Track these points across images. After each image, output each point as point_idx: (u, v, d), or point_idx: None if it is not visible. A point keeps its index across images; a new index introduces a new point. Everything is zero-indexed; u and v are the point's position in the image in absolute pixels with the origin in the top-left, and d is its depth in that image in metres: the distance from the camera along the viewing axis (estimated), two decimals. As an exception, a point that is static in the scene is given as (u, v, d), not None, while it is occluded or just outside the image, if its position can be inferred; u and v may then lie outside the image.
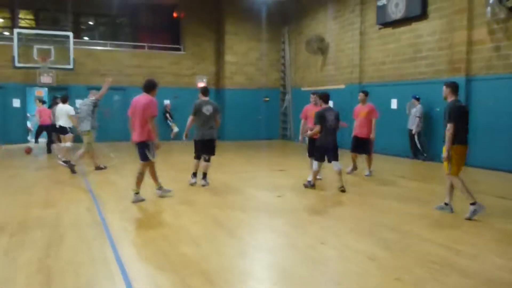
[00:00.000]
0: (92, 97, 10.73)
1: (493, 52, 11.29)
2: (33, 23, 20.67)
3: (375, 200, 7.72)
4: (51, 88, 18.51)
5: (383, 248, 5.04)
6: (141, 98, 7.31)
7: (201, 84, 20.43)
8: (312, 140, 8.97)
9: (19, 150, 15.63)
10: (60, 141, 12.80)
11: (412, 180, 10.01)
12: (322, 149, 8.47)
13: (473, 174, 10.98)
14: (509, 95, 10.95)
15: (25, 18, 20.23)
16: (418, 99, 13.00)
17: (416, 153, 13.24)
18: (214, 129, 8.78)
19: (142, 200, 7.41)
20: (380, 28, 14.95)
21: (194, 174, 8.93)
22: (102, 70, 19.08)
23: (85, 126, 10.60)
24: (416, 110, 12.96)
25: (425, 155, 12.96)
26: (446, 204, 6.93)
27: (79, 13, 21.59)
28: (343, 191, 8.25)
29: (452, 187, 6.84)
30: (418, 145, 13.07)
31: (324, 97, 8.82)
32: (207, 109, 8.61)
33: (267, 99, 20.92)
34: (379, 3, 14.60)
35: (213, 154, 8.91)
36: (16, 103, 18.11)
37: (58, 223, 6.03)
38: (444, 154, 6.56)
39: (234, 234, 5.67)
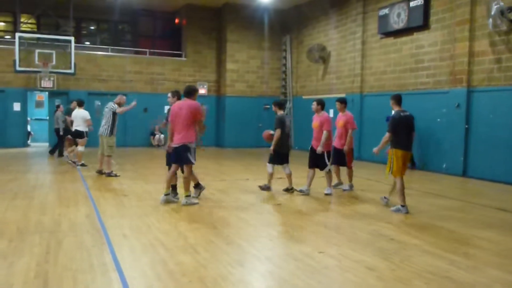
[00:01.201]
0: (117, 100, 10.83)
1: (495, 64, 11.31)
2: (34, 27, 20.73)
3: (374, 210, 7.69)
4: (51, 93, 18.54)
5: (382, 258, 5.02)
6: (184, 103, 7.51)
7: (202, 91, 20.50)
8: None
9: (18, 154, 15.64)
10: (71, 145, 12.89)
11: (410, 190, 9.98)
12: (284, 153, 9.00)
13: (473, 185, 11.00)
14: (510, 107, 10.96)
15: (27, 22, 20.29)
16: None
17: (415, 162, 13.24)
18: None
19: (196, 203, 7.72)
20: (381, 38, 15.00)
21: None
22: (102, 75, 19.13)
23: (102, 130, 10.68)
24: None
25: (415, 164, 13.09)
26: (402, 206, 7.46)
27: (81, 18, 21.69)
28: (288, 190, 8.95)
29: (400, 187, 7.48)
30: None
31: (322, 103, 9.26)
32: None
33: (268, 106, 20.92)
34: (381, 13, 14.66)
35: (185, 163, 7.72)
36: (17, 107, 18.11)
37: (57, 229, 6.01)
38: (375, 149, 7.67)
39: (232, 241, 5.65)
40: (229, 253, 5.19)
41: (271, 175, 9.12)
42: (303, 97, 19.66)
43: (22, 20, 19.81)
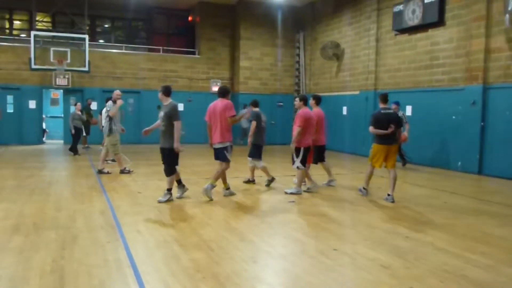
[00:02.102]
0: (113, 97, 10.83)
1: (511, 61, 11.15)
2: (50, 25, 20.94)
3: (388, 207, 7.65)
4: (66, 90, 18.72)
5: (397, 256, 4.99)
6: (219, 102, 7.90)
7: (215, 89, 20.56)
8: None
9: (34, 151, 15.82)
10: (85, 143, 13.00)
11: (424, 188, 9.90)
12: (261, 147, 9.35)
13: (488, 183, 10.87)
14: (526, 104, 10.81)
15: (42, 20, 20.50)
16: (398, 104, 12.34)
17: (405, 159, 13.10)
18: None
19: (234, 194, 8.36)
20: (396, 35, 14.87)
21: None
22: (117, 73, 19.26)
23: (103, 129, 10.84)
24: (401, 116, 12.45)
25: (407, 160, 13.06)
26: (388, 195, 8.13)
27: (95, 16, 21.84)
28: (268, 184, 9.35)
29: (395, 179, 8.10)
30: (403, 151, 12.93)
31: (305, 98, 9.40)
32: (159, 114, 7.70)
33: (281, 104, 20.91)
34: (396, 9, 14.53)
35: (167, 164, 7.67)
36: (32, 104, 18.32)
37: (72, 225, 6.07)
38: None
39: (246, 238, 5.66)
40: (242, 249, 5.19)
41: (265, 169, 9.50)
42: (318, 94, 19.55)
43: (37, 18, 20.05)
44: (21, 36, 20.30)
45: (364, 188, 8.63)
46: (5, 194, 8.04)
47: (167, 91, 7.56)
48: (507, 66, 11.24)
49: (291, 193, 8.56)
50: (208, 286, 4.06)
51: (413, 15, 13.77)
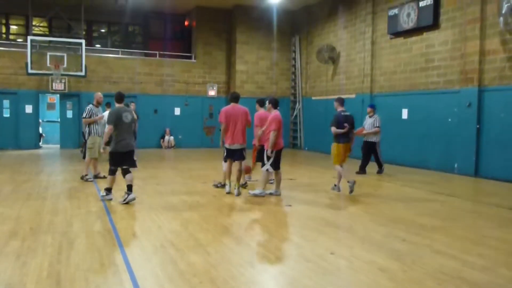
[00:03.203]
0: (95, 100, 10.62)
1: (506, 63, 11.21)
2: (46, 30, 20.92)
3: (386, 210, 7.66)
4: (63, 95, 18.70)
5: (394, 259, 4.99)
6: (237, 107, 8.80)
7: (211, 93, 20.56)
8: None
9: (31, 155, 15.78)
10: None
11: (420, 189, 9.92)
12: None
13: (485, 185, 10.90)
14: (522, 106, 10.86)
15: (39, 25, 20.49)
16: (374, 108, 12.26)
17: (381, 164, 12.14)
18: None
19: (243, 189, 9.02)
20: (391, 38, 14.92)
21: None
22: (113, 77, 19.25)
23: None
24: (375, 120, 11.92)
25: (382, 168, 12.15)
26: (335, 185, 9.19)
27: (92, 21, 21.83)
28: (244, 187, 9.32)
29: (343, 173, 9.01)
30: (380, 156, 12.07)
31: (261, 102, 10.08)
32: (126, 117, 7.90)
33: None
34: (390, 13, 14.59)
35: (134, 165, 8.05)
36: (29, 109, 18.29)
37: (69, 229, 6.06)
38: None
39: (242, 242, 5.66)
40: (239, 253, 5.19)
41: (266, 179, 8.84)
42: (313, 98, 19.62)
43: (34, 23, 20.02)
44: (18, 41, 20.27)
45: (335, 185, 9.26)
46: (1, 199, 8.01)
47: (115, 98, 8.05)
48: (502, 68, 11.30)
49: (254, 195, 8.56)
50: (205, 290, 4.06)
51: (408, 18, 13.83)
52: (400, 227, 6.51)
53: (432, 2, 13.00)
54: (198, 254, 5.06)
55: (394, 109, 14.56)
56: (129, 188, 7.82)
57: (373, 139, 11.96)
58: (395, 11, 14.34)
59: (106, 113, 10.91)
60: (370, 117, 12.08)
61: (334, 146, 9.03)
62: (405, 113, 14.28)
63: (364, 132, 11.95)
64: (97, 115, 10.30)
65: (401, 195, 9.23)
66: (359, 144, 12.01)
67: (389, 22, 14.72)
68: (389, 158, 13.42)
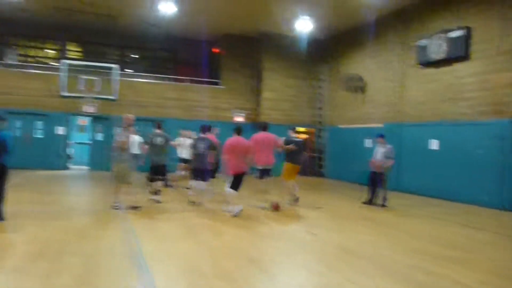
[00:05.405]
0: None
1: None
2: (81, 55, 21.58)
3: (409, 240, 7.51)
4: (94, 118, 19.13)
5: (422, 293, 4.88)
6: (267, 135, 10.25)
7: (238, 119, 20.70)
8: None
9: (59, 176, 16.08)
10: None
11: (445, 221, 9.70)
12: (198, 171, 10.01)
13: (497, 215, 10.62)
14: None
15: (73, 50, 21.13)
16: (383, 137, 11.64)
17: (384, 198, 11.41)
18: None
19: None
20: (421, 68, 14.82)
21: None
22: (142, 101, 19.60)
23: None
24: (386, 150, 11.32)
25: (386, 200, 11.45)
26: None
27: (124, 47, 22.43)
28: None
29: (291, 188, 10.78)
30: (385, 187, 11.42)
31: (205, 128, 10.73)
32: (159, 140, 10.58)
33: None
34: (420, 43, 14.55)
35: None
36: (59, 130, 18.71)
37: (95, 251, 6.11)
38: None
39: (266, 270, 5.61)
40: (264, 281, 5.15)
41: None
42: (339, 126, 19.58)
43: (68, 48, 20.68)
44: (52, 65, 20.94)
45: (289, 200, 10.87)
46: (31, 219, 8.14)
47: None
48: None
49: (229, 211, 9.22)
50: (229, 318, 4.03)
51: (438, 49, 13.76)
52: (423, 258, 6.36)
53: (463, 34, 12.93)
54: (222, 281, 5.04)
55: (421, 139, 14.41)
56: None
57: (381, 169, 11.31)
58: (425, 42, 14.31)
59: (136, 138, 10.92)
60: (380, 147, 11.50)
61: (285, 165, 10.79)
62: (433, 144, 14.09)
63: (384, 165, 11.21)
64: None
65: (428, 227, 9.03)
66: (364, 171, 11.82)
67: (418, 53, 14.66)
68: (414, 189, 13.20)
